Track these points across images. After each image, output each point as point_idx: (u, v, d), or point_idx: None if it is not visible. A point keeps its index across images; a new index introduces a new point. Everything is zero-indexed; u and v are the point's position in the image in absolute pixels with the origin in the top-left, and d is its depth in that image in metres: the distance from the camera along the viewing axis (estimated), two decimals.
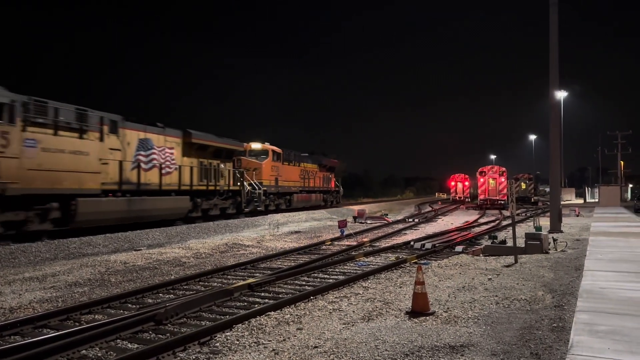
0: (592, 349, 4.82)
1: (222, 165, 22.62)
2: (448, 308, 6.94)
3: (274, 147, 28.97)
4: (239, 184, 24.09)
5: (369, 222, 25.54)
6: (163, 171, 18.72)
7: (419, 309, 6.71)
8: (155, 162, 18.23)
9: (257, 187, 25.41)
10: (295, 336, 5.91)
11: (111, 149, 16.35)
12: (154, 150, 18.16)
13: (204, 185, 21.26)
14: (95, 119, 15.72)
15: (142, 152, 17.69)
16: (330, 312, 7.02)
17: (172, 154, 19.17)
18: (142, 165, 17.66)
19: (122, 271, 11.32)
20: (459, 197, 51.42)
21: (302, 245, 15.68)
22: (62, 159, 14.37)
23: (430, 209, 39.75)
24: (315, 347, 5.45)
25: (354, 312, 6.99)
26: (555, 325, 6.05)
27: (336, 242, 16.56)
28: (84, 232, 15.57)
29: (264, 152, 28.04)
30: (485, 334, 5.76)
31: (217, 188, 22.25)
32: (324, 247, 15.54)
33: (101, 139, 15.89)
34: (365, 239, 17.20)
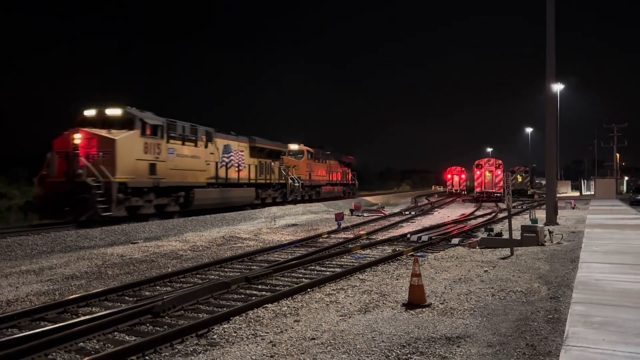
0: (587, 339, 4.86)
1: (272, 164, 28.01)
2: (444, 300, 6.97)
3: (308, 148, 34.34)
4: (283, 178, 29.45)
5: (365, 214, 25.59)
6: (239, 170, 24.14)
7: (416, 300, 6.75)
8: (233, 162, 23.58)
9: (296, 181, 31.00)
10: (292, 328, 5.93)
11: (210, 153, 21.67)
12: (232, 154, 23.51)
13: (263, 179, 26.80)
14: (202, 132, 21.03)
15: (226, 155, 22.91)
16: (327, 304, 7.04)
17: (242, 155, 24.56)
18: (226, 165, 22.92)
19: (119, 264, 11.32)
20: (455, 190, 51.51)
21: (299, 238, 15.70)
22: (186, 162, 19.92)
23: (426, 201, 39.83)
24: (313, 338, 5.47)
25: (350, 304, 7.02)
26: (550, 316, 6.10)
27: (333, 235, 16.59)
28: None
29: (301, 152, 33.46)
30: (481, 325, 5.79)
31: (271, 181, 27.95)
32: (321, 239, 15.57)
33: (205, 146, 21.27)
34: (362, 232, 17.23)
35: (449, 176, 53.09)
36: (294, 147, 33.19)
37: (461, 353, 4.89)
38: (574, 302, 6.35)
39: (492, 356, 4.80)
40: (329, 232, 16.93)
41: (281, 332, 5.81)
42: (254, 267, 10.76)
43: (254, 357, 4.98)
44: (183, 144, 19.63)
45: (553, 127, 18.67)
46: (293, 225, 20.50)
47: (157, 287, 8.97)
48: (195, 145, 20.45)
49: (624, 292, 6.82)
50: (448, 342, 5.23)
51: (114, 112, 17.16)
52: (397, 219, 23.07)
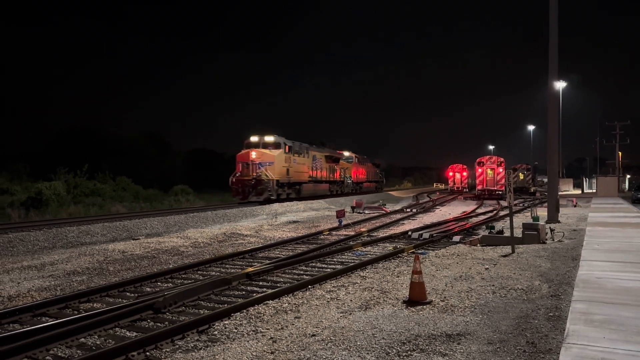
0: (588, 337, 4.86)
1: (335, 167, 39.07)
2: (445, 297, 6.97)
3: (356, 154, 45.68)
4: (341, 177, 40.66)
5: (367, 212, 25.59)
6: (321, 171, 35.27)
7: (416, 298, 6.75)
8: (317, 166, 34.60)
9: (349, 179, 42.36)
10: (293, 325, 5.94)
11: (308, 161, 32.67)
12: (317, 161, 34.63)
13: (332, 178, 38.17)
14: (305, 147, 32.48)
15: (314, 162, 33.96)
16: (328, 301, 7.05)
17: (321, 162, 35.71)
18: (315, 168, 33.90)
19: (120, 260, 11.34)
20: (457, 188, 51.47)
21: (300, 234, 15.70)
22: (299, 167, 31.14)
23: (428, 199, 39.80)
24: (313, 335, 5.48)
25: (351, 301, 7.02)
26: (551, 314, 6.09)
27: (334, 232, 16.59)
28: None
29: (351, 158, 44.10)
30: (481, 323, 5.79)
31: (335, 179, 39.06)
32: (322, 236, 15.57)
33: (307, 157, 32.66)
34: (363, 229, 17.23)
35: (451, 174, 53.02)
36: (346, 154, 43.84)
37: (461, 350, 4.89)
38: (575, 300, 6.35)
39: (492, 353, 4.80)
40: (330, 229, 16.94)
41: (282, 328, 5.81)
42: (255, 263, 10.77)
43: (254, 353, 4.99)
44: (298, 156, 31.00)
45: (555, 124, 18.61)
46: (294, 222, 20.51)
47: (158, 283, 9.00)
48: (302, 156, 31.86)
49: (625, 290, 6.81)
50: (448, 339, 5.23)
51: (269, 138, 28.56)
52: (398, 216, 23.07)
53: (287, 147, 29.06)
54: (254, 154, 27.45)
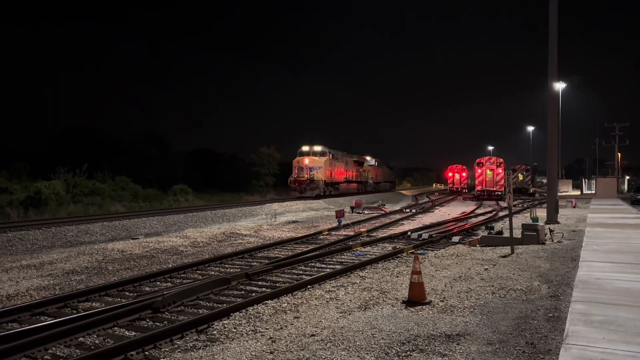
0: (587, 338, 4.85)
1: (361, 169, 46.16)
2: (444, 297, 6.97)
3: (376, 159, 52.91)
4: (364, 178, 47.45)
5: (366, 212, 25.58)
6: (352, 173, 42.54)
7: (416, 298, 6.74)
8: (349, 169, 41.52)
9: (371, 180, 49.36)
10: (292, 324, 5.93)
11: (342, 164, 39.49)
12: (349, 165, 41.56)
13: (359, 179, 45.55)
14: (341, 154, 39.78)
15: (346, 166, 40.78)
16: (327, 301, 7.04)
17: (351, 165, 42.44)
18: (347, 171, 40.65)
19: (119, 259, 11.33)
20: (456, 188, 51.49)
21: (299, 234, 15.69)
22: (337, 170, 38.35)
23: (427, 199, 39.80)
24: (312, 335, 5.47)
25: (350, 301, 7.01)
26: (550, 315, 6.09)
27: (333, 232, 16.58)
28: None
29: (372, 161, 51.01)
30: (481, 323, 5.78)
31: (361, 180, 46.23)
32: (321, 236, 15.56)
33: (342, 161, 39.92)
34: (362, 229, 17.22)
35: (450, 174, 53.05)
36: (368, 158, 50.24)
37: (461, 351, 4.88)
38: (574, 300, 6.34)
39: (491, 354, 4.79)
40: (330, 230, 16.92)
41: (281, 328, 5.81)
42: (254, 263, 10.76)
43: (253, 353, 4.98)
44: (337, 161, 38.19)
45: (555, 125, 18.61)
46: (293, 222, 20.50)
47: (158, 283, 8.98)
48: (339, 161, 38.97)
49: (625, 291, 6.81)
50: (448, 339, 5.23)
51: (317, 148, 36.11)
52: (397, 216, 23.06)
53: (330, 154, 36.70)
54: (307, 160, 35.42)
